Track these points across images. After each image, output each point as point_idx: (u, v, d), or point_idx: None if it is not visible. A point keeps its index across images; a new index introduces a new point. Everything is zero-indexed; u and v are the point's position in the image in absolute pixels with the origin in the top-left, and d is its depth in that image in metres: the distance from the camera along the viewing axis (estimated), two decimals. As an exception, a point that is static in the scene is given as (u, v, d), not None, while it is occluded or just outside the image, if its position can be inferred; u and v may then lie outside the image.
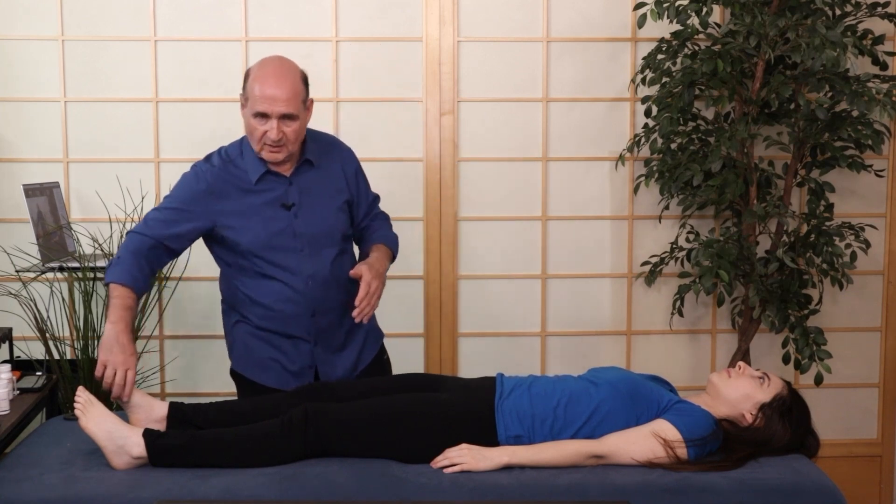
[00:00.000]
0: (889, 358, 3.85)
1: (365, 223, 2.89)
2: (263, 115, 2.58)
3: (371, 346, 2.87)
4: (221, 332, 3.68)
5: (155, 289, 3.48)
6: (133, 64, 3.63)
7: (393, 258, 2.87)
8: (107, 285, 2.58)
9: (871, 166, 3.43)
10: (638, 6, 3.40)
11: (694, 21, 3.34)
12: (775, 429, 2.45)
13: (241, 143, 2.73)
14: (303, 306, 2.70)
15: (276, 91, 2.56)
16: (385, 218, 2.95)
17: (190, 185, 2.68)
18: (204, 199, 2.65)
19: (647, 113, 3.51)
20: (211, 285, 3.52)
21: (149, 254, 2.61)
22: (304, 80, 2.66)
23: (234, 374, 2.83)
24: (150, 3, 3.61)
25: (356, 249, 2.93)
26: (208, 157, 2.73)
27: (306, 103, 2.66)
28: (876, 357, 3.87)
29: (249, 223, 2.66)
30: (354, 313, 2.62)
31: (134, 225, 2.72)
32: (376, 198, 2.95)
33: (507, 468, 2.35)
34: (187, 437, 2.38)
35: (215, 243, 2.73)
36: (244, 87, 2.63)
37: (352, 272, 2.67)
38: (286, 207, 2.68)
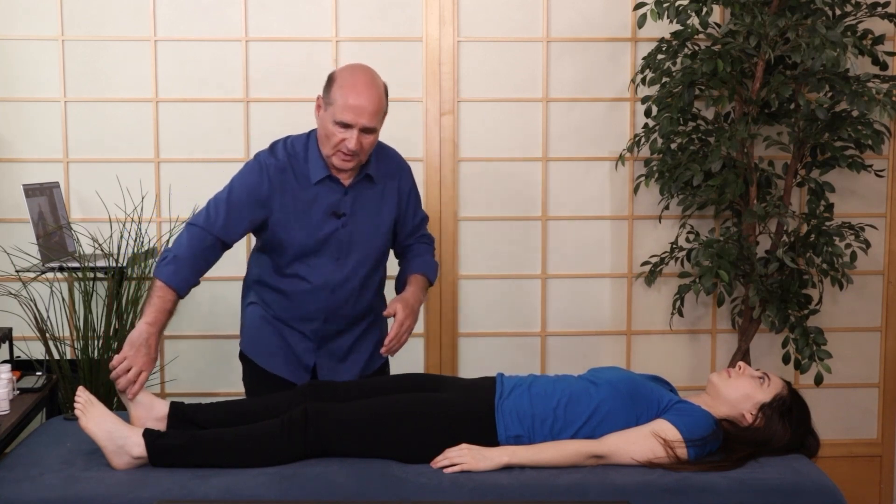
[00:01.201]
0: (889, 358, 3.85)
1: (408, 242, 2.88)
2: (346, 125, 2.56)
3: (378, 357, 2.85)
4: (223, 331, 3.70)
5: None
6: (133, 64, 3.63)
7: (430, 285, 2.86)
8: (153, 278, 2.57)
9: (871, 166, 3.43)
10: (638, 6, 3.40)
11: (694, 21, 3.34)
12: (775, 429, 2.45)
13: (308, 139, 2.70)
14: (321, 310, 2.71)
15: (365, 104, 2.55)
16: (430, 241, 2.93)
17: (253, 178, 2.65)
18: (265, 196, 2.64)
19: (647, 113, 3.51)
20: (213, 285, 3.53)
21: (206, 253, 2.62)
22: (387, 92, 2.65)
23: (241, 356, 2.84)
24: (150, 3, 3.61)
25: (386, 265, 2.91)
26: (273, 148, 2.71)
27: (385, 116, 2.66)
28: (876, 357, 3.87)
29: (298, 223, 2.66)
30: (382, 350, 2.66)
31: (192, 215, 2.69)
32: (424, 219, 2.92)
33: (507, 468, 2.35)
34: (187, 437, 2.38)
35: (258, 231, 2.73)
36: (327, 91, 2.60)
37: (387, 311, 2.68)
38: (337, 216, 2.67)
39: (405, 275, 2.82)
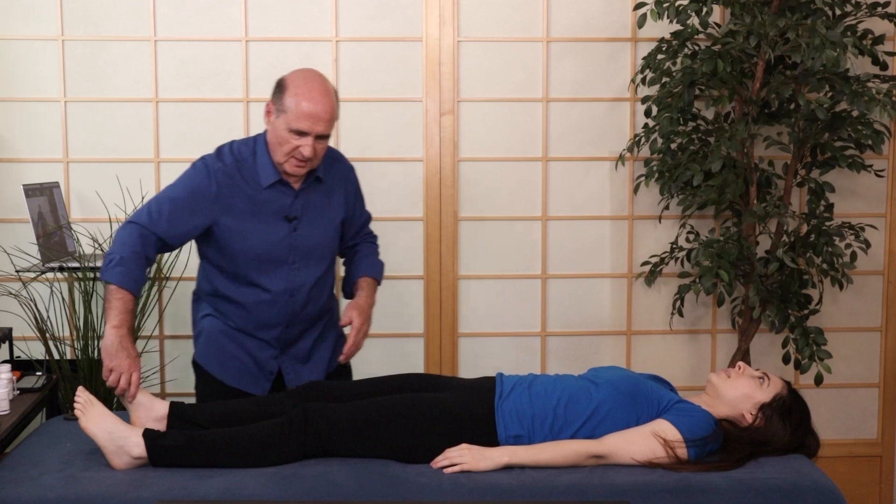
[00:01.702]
0: (889, 358, 3.85)
1: (354, 241, 2.89)
2: (301, 133, 2.55)
3: (337, 354, 2.83)
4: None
5: (155, 288, 3.48)
6: (133, 64, 3.64)
7: (378, 284, 2.88)
8: (105, 283, 2.55)
9: (871, 166, 3.43)
10: (638, 6, 3.40)
11: (694, 21, 3.34)
12: (775, 429, 2.45)
13: (255, 144, 2.68)
14: (280, 316, 2.70)
15: (321, 111, 2.54)
16: (373, 241, 2.96)
17: (199, 180, 2.62)
18: (211, 200, 2.61)
19: (647, 113, 3.51)
20: (211, 285, 3.52)
21: (148, 251, 2.59)
22: (338, 98, 2.64)
23: (195, 365, 2.81)
24: (150, 3, 3.61)
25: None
26: (219, 152, 2.68)
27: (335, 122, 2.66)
28: (876, 357, 3.87)
29: (249, 229, 2.63)
30: (341, 358, 2.71)
31: (132, 213, 2.65)
32: (369, 218, 2.95)
33: (507, 468, 2.35)
34: (187, 437, 2.38)
35: (205, 240, 2.69)
36: (279, 98, 2.57)
37: (343, 320, 2.72)
38: (288, 220, 2.66)
39: (354, 277, 2.83)
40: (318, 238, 2.72)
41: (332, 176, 2.76)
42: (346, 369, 2.93)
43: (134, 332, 3.32)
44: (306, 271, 2.70)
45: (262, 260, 2.65)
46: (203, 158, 2.67)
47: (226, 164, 2.64)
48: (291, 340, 2.75)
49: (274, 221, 2.65)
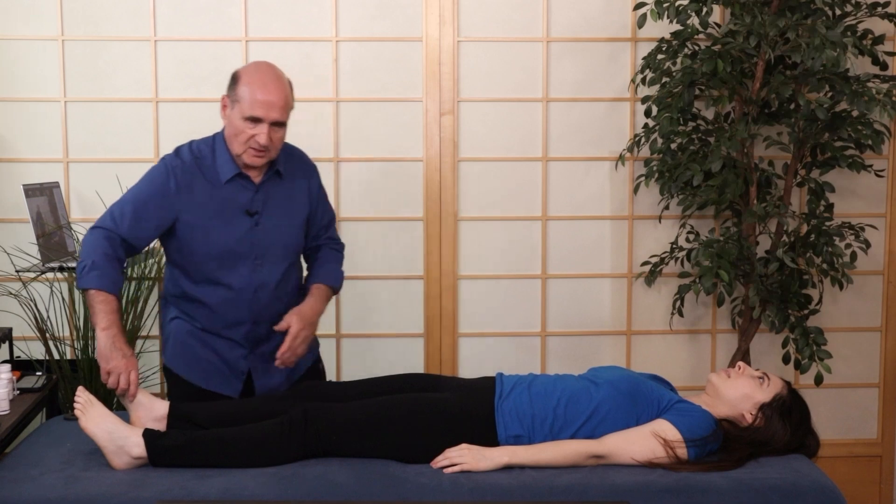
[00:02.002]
0: (889, 358, 3.85)
1: (316, 244, 2.87)
2: (256, 120, 2.56)
3: (307, 355, 2.82)
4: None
5: (154, 288, 3.48)
6: (133, 64, 3.64)
7: (335, 293, 2.86)
8: (83, 291, 2.56)
9: (871, 166, 3.43)
10: (638, 6, 3.40)
11: (694, 21, 3.34)
12: (775, 429, 2.45)
13: (214, 141, 2.70)
14: (246, 314, 2.69)
15: (274, 98, 2.57)
16: (339, 248, 2.93)
17: (159, 180, 2.64)
18: (172, 197, 2.62)
19: (647, 113, 3.51)
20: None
21: (119, 252, 2.60)
22: (292, 88, 2.67)
23: (165, 370, 2.80)
24: (150, 3, 3.61)
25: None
26: (178, 151, 2.69)
27: (290, 111, 2.66)
28: (876, 357, 3.87)
29: (210, 224, 2.63)
30: (277, 362, 2.65)
31: (98, 219, 2.65)
32: (333, 219, 2.92)
33: (507, 468, 2.35)
34: (187, 437, 2.39)
35: (169, 239, 2.69)
36: (233, 89, 2.60)
37: (279, 325, 2.66)
38: (249, 214, 2.66)
39: (308, 283, 2.82)
40: (280, 233, 2.71)
41: (294, 171, 2.76)
42: (317, 372, 2.91)
43: (133, 333, 3.33)
44: (270, 267, 2.69)
45: (224, 256, 2.65)
46: (163, 158, 2.69)
47: (184, 162, 2.65)
48: (260, 339, 2.73)
49: (235, 217, 2.65)
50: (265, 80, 2.59)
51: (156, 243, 2.86)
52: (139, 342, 3.46)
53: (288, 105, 2.61)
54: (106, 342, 2.47)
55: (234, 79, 2.63)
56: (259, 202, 2.68)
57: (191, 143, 2.72)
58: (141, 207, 2.61)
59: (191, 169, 2.64)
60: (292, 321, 2.65)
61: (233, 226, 2.65)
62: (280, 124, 2.60)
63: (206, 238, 2.63)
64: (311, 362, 2.88)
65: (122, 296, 2.62)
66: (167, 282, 2.79)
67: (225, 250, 2.64)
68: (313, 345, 2.89)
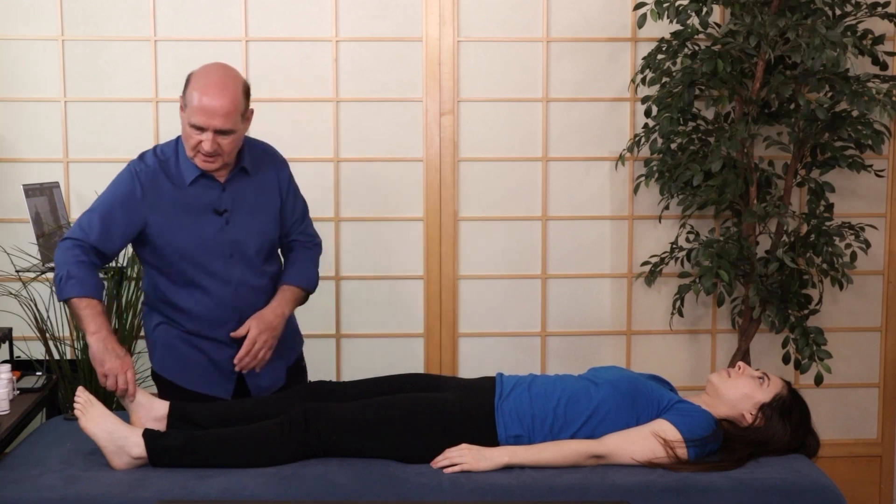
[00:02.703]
0: (889, 358, 3.85)
1: (290, 241, 2.82)
2: (199, 127, 2.51)
3: (288, 351, 2.81)
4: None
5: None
6: (133, 64, 3.64)
7: (307, 296, 2.80)
8: (65, 301, 2.54)
9: (871, 166, 3.43)
10: (638, 6, 3.40)
11: (694, 21, 3.34)
12: (775, 429, 2.45)
13: (178, 144, 2.67)
14: (229, 312, 2.67)
15: (215, 105, 2.49)
16: (313, 245, 2.87)
17: (125, 186, 2.62)
18: (138, 201, 2.60)
19: (647, 113, 3.51)
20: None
21: (92, 258, 2.58)
22: (246, 92, 2.59)
23: (155, 375, 2.78)
24: (150, 3, 3.61)
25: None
26: (142, 156, 2.67)
27: (245, 115, 2.59)
28: (876, 357, 3.87)
29: (179, 226, 2.61)
30: (236, 367, 2.62)
31: (66, 231, 2.66)
32: (305, 213, 2.85)
33: (507, 468, 2.35)
34: (187, 437, 2.39)
35: (141, 244, 2.67)
36: (184, 92, 2.55)
37: (237, 331, 2.61)
38: (218, 213, 2.64)
39: (279, 283, 2.75)
40: (252, 229, 2.68)
41: (261, 165, 2.72)
42: (300, 376, 2.87)
43: (130, 335, 3.33)
44: (246, 264, 2.67)
45: (196, 257, 2.63)
46: (128, 164, 2.67)
47: (148, 166, 2.63)
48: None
49: (204, 216, 2.63)
50: (209, 86, 2.52)
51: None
52: (139, 343, 3.45)
53: (235, 111, 2.52)
54: (98, 346, 2.46)
55: (186, 81, 2.58)
56: (227, 200, 2.65)
57: (156, 147, 2.70)
58: (108, 215, 2.60)
59: (155, 172, 2.62)
60: (251, 326, 2.61)
61: (202, 226, 2.62)
62: (226, 132, 2.52)
63: (177, 240, 2.62)
64: (294, 359, 2.86)
65: (104, 299, 2.59)
66: (146, 287, 2.77)
67: (196, 251, 2.62)
68: (298, 339, 2.89)
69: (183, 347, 2.71)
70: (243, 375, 2.72)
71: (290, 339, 2.82)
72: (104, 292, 2.63)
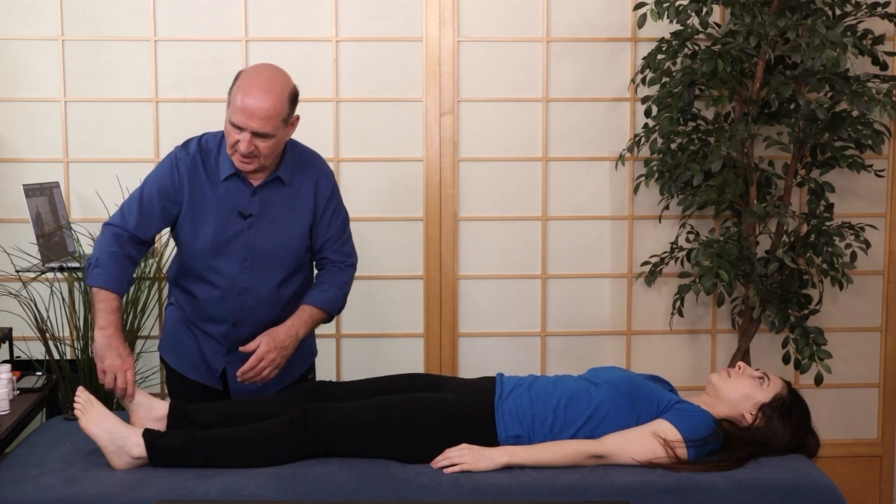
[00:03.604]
0: (889, 358, 3.85)
1: (323, 258, 2.74)
2: (238, 127, 2.49)
3: (300, 362, 2.80)
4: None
5: (154, 288, 3.48)
6: (133, 64, 3.64)
7: (329, 318, 2.73)
8: (89, 287, 2.56)
9: (871, 166, 3.43)
10: (638, 6, 3.40)
11: (694, 21, 3.34)
12: (775, 429, 2.45)
13: (223, 137, 2.64)
14: (227, 313, 2.66)
15: (255, 107, 2.46)
16: (347, 268, 2.77)
17: (164, 173, 2.63)
18: (175, 189, 2.61)
19: (647, 113, 3.51)
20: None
21: (127, 250, 2.59)
22: (292, 97, 2.56)
23: (161, 358, 2.84)
24: (150, 3, 3.61)
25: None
26: (186, 143, 2.67)
27: (289, 121, 2.56)
28: (876, 357, 3.87)
29: (203, 219, 2.61)
30: (238, 377, 2.58)
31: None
32: (341, 233, 2.74)
33: (507, 468, 2.35)
34: (187, 437, 2.38)
35: (172, 226, 2.69)
36: (231, 89, 2.55)
37: (247, 345, 2.56)
38: (243, 217, 2.62)
39: (305, 299, 2.69)
40: (277, 241, 2.64)
41: (302, 178, 2.67)
42: (305, 381, 2.83)
43: (133, 332, 3.33)
44: (261, 273, 2.64)
45: (212, 253, 2.62)
46: (173, 149, 2.67)
47: (189, 154, 2.63)
48: (239, 341, 2.66)
49: (229, 216, 2.62)
50: (253, 87, 2.49)
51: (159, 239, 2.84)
52: (139, 342, 3.46)
53: (274, 116, 2.49)
54: (102, 341, 2.47)
55: (235, 78, 2.58)
56: (255, 206, 2.62)
57: (202, 135, 2.69)
58: (147, 202, 2.61)
59: (194, 162, 2.62)
60: (262, 342, 2.56)
61: (225, 225, 2.62)
62: (264, 135, 2.49)
63: (197, 232, 2.62)
64: (303, 371, 2.84)
65: (126, 294, 2.61)
66: (171, 266, 2.80)
67: (213, 247, 2.62)
68: (310, 353, 2.87)
69: (181, 333, 2.74)
70: (226, 376, 2.72)
71: (301, 356, 2.79)
72: (129, 286, 2.62)
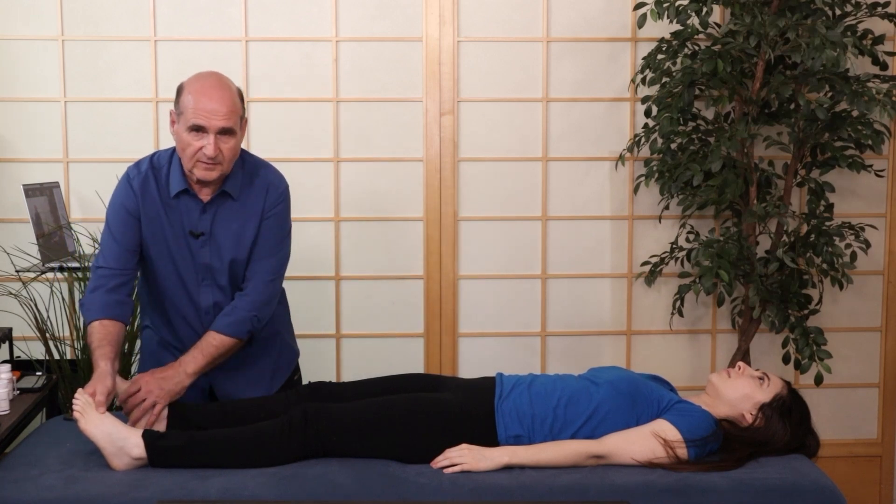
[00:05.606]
0: (889, 358, 3.85)
1: (251, 273, 2.64)
2: (200, 129, 2.45)
3: (285, 367, 2.80)
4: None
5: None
6: (133, 64, 3.64)
7: (234, 346, 2.61)
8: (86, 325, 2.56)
9: (871, 166, 3.43)
10: (638, 6, 3.40)
11: (694, 21, 3.34)
12: (775, 429, 2.45)
13: (173, 152, 2.61)
14: (197, 331, 2.63)
15: (216, 104, 2.45)
16: (248, 295, 2.62)
17: (122, 194, 2.60)
18: (134, 208, 2.58)
19: (647, 113, 3.51)
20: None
21: (106, 285, 2.55)
22: (241, 96, 2.56)
23: None
24: (150, 3, 3.61)
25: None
26: (138, 162, 2.64)
27: (243, 118, 2.56)
28: (876, 357, 3.87)
29: (157, 239, 2.59)
30: (129, 422, 2.49)
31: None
32: (274, 251, 2.64)
33: (507, 468, 2.35)
34: (187, 438, 2.38)
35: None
36: (177, 102, 2.50)
37: (129, 386, 2.49)
38: (194, 236, 2.59)
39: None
40: (229, 257, 2.60)
41: (249, 190, 2.62)
42: (292, 385, 2.83)
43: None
44: (217, 289, 2.63)
45: (168, 272, 2.61)
46: (126, 169, 2.65)
47: (141, 172, 2.61)
48: None
49: (180, 236, 2.59)
50: (206, 87, 2.48)
51: None
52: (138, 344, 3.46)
53: (234, 112, 2.48)
54: (95, 373, 2.46)
55: (178, 91, 2.53)
56: (206, 222, 2.59)
57: (154, 153, 2.67)
58: (116, 231, 2.59)
59: (146, 178, 2.59)
60: (141, 383, 2.49)
61: (177, 245, 2.59)
62: (227, 131, 2.48)
63: (153, 252, 2.60)
64: (288, 375, 2.83)
65: (128, 317, 2.61)
66: (139, 288, 2.77)
67: (168, 266, 2.60)
68: (292, 355, 2.86)
69: (160, 352, 2.72)
70: (213, 389, 2.72)
71: (287, 348, 2.79)
72: (123, 308, 2.59)
